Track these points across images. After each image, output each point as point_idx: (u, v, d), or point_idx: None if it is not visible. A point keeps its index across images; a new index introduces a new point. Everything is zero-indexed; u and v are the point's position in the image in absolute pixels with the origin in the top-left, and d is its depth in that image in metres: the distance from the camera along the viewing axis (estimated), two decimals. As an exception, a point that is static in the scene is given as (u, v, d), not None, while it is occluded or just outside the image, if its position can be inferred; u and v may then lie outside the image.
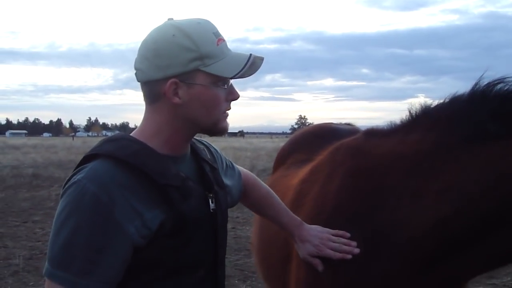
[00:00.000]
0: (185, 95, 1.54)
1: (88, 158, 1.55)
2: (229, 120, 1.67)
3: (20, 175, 18.00)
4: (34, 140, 71.37)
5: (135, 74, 1.59)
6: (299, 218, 2.16)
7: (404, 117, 2.09)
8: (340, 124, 3.45)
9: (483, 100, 1.82)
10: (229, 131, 1.77)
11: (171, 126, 1.59)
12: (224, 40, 1.60)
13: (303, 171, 2.61)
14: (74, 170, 1.54)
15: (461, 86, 1.96)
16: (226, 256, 1.84)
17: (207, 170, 1.75)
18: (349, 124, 3.48)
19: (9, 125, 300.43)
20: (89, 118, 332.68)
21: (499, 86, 1.82)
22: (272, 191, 2.23)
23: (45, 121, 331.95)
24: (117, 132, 1.89)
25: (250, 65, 1.58)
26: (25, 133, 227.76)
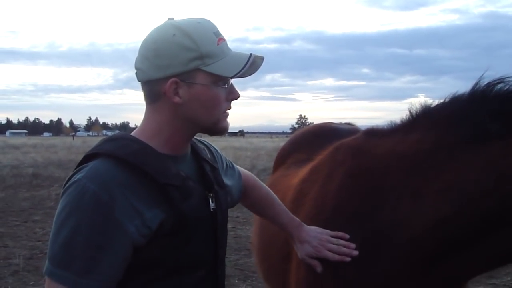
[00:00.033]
0: (185, 95, 1.54)
1: (88, 158, 1.55)
2: (229, 119, 1.67)
3: (20, 174, 18.00)
4: (34, 140, 71.39)
5: (136, 73, 1.60)
6: (298, 219, 2.16)
7: (404, 117, 2.09)
8: (340, 123, 3.45)
9: (483, 100, 1.82)
10: (229, 130, 1.77)
11: (172, 126, 1.59)
12: (224, 40, 1.60)
13: (303, 171, 2.61)
14: (75, 169, 1.54)
15: (461, 86, 1.96)
16: (226, 255, 1.84)
17: (207, 169, 1.75)
18: (349, 124, 3.48)
19: (9, 124, 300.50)
20: (89, 117, 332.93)
21: (499, 86, 1.82)
22: (271, 192, 2.23)
23: (45, 120, 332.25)
24: (117, 131, 1.89)
25: (251, 65, 1.58)
26: (25, 133, 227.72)
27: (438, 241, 1.82)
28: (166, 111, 1.57)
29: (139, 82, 1.61)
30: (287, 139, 3.81)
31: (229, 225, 1.88)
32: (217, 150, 1.98)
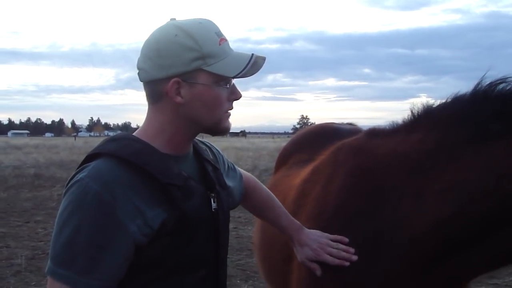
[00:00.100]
0: (187, 95, 1.54)
1: (90, 157, 1.55)
2: (231, 120, 1.67)
3: (22, 175, 18.03)
4: (36, 140, 71.49)
5: (138, 73, 1.60)
6: (298, 222, 2.16)
7: (406, 117, 2.09)
8: (342, 124, 3.45)
9: (485, 100, 1.82)
10: (231, 131, 1.77)
11: (174, 126, 1.60)
12: (226, 40, 1.60)
13: (305, 171, 2.61)
14: (77, 169, 1.54)
15: (463, 86, 1.95)
16: (228, 255, 1.84)
17: (209, 170, 1.75)
18: (351, 124, 3.47)
19: (11, 125, 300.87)
20: (91, 118, 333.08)
21: (501, 86, 1.82)
22: (272, 194, 2.24)
23: (47, 121, 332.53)
24: (119, 132, 1.90)
25: (252, 65, 1.58)
26: (27, 133, 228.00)
27: (439, 241, 1.82)
28: (168, 111, 1.58)
29: (141, 82, 1.61)
30: (289, 139, 3.81)
31: (231, 226, 1.89)
32: (219, 151, 1.98)
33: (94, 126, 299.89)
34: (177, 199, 1.53)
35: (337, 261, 1.98)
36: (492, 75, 1.86)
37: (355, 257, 1.96)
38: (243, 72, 1.56)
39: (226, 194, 1.81)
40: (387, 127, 2.19)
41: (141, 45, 1.62)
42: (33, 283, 6.28)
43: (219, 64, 1.54)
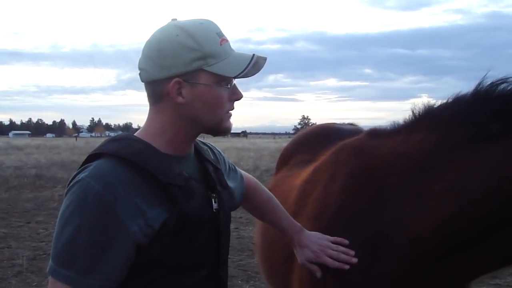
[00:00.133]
0: (188, 95, 1.54)
1: (92, 158, 1.56)
2: (232, 120, 1.68)
3: (23, 175, 18.04)
4: (37, 141, 71.53)
5: (139, 74, 1.60)
6: (299, 224, 2.16)
7: (407, 117, 2.09)
8: (343, 124, 3.45)
9: (486, 100, 1.82)
10: (232, 131, 1.78)
11: (175, 126, 1.60)
12: (227, 41, 1.60)
13: (306, 172, 2.61)
14: (79, 169, 1.55)
15: (464, 86, 1.95)
16: (229, 256, 1.84)
17: (210, 170, 1.75)
18: (352, 124, 3.47)
19: (12, 125, 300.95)
20: (92, 118, 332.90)
21: (502, 86, 1.82)
22: (273, 196, 2.24)
23: (48, 121, 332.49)
24: (120, 132, 1.90)
25: (253, 65, 1.59)
26: (28, 134, 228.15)
27: (440, 241, 1.82)
28: (169, 111, 1.58)
29: (143, 83, 1.61)
30: (290, 139, 3.81)
31: (232, 226, 1.89)
32: (220, 152, 1.98)
33: (95, 126, 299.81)
34: (178, 199, 1.53)
35: (337, 264, 1.98)
36: (493, 75, 1.86)
37: (355, 260, 1.96)
38: (244, 72, 1.56)
39: (227, 194, 1.81)
40: (388, 127, 2.19)
41: (142, 45, 1.62)
42: (35, 284, 6.29)
43: (220, 64, 1.54)
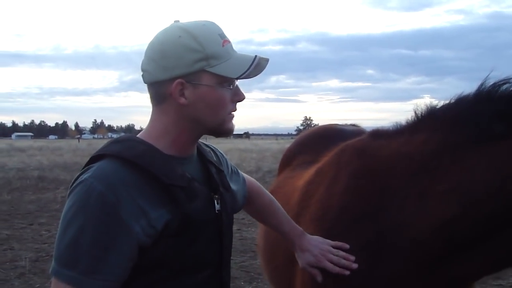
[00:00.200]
0: (191, 96, 1.55)
1: (95, 159, 1.56)
2: (235, 121, 1.68)
3: (26, 177, 18.06)
4: (40, 143, 71.66)
5: (142, 75, 1.61)
6: (300, 228, 2.17)
7: (410, 118, 2.09)
8: (346, 125, 3.45)
9: (489, 101, 1.82)
10: (234, 132, 1.77)
11: (178, 127, 1.60)
12: (229, 42, 1.61)
13: (309, 173, 2.61)
14: (81, 170, 1.55)
15: (466, 86, 1.94)
16: (231, 257, 1.84)
17: (213, 172, 1.75)
18: (354, 125, 3.47)
19: (15, 127, 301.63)
20: (95, 120, 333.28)
21: (504, 86, 1.82)
22: (275, 199, 2.24)
23: (51, 123, 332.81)
24: (122, 134, 1.90)
25: (255, 66, 1.59)
26: (31, 136, 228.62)
27: (443, 242, 1.82)
28: (172, 112, 1.58)
29: (145, 84, 1.62)
30: (292, 140, 3.81)
31: (235, 227, 1.89)
32: (222, 155, 1.99)
33: (98, 128, 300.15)
34: (180, 201, 1.53)
35: (337, 269, 1.99)
36: (495, 75, 1.85)
37: (355, 265, 1.96)
38: (246, 73, 1.57)
39: (230, 196, 1.81)
40: (391, 128, 2.18)
41: (144, 47, 1.62)
42: (37, 285, 6.29)
43: (222, 65, 1.54)
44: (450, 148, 1.84)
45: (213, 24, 1.61)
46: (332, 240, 2.06)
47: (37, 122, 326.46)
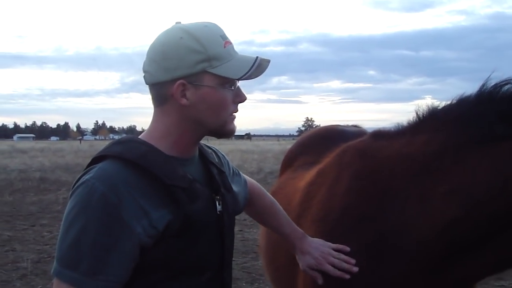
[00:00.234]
0: (192, 97, 1.55)
1: (96, 160, 1.56)
2: (236, 122, 1.68)
3: (28, 178, 18.07)
4: (41, 144, 71.71)
5: (144, 76, 1.61)
6: (301, 230, 2.17)
7: (411, 119, 2.09)
8: (347, 126, 3.44)
9: (490, 101, 1.82)
10: (236, 133, 1.78)
11: (179, 128, 1.60)
12: (231, 43, 1.61)
13: (310, 174, 2.61)
14: (83, 171, 1.55)
15: (468, 87, 1.95)
16: (233, 258, 1.84)
17: (214, 173, 1.75)
18: (356, 126, 3.47)
19: (16, 129, 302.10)
20: (96, 121, 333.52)
21: (506, 87, 1.82)
22: (276, 201, 2.24)
23: (53, 125, 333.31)
24: (124, 135, 1.91)
25: (257, 67, 1.59)
26: (33, 137, 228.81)
27: (445, 244, 1.81)
28: (173, 113, 1.58)
29: (147, 86, 1.62)
30: (294, 141, 3.81)
31: (236, 228, 1.89)
32: (224, 156, 1.99)
33: (99, 129, 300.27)
34: (182, 201, 1.53)
35: (338, 273, 1.99)
36: (497, 76, 1.85)
37: (355, 269, 1.96)
38: (247, 74, 1.57)
39: (231, 197, 1.81)
40: (392, 129, 2.18)
41: (146, 48, 1.63)
42: (39, 287, 6.29)
43: (224, 66, 1.55)
44: (451, 149, 1.83)
45: (214, 25, 1.61)
46: (334, 241, 2.06)
47: (38, 123, 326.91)
